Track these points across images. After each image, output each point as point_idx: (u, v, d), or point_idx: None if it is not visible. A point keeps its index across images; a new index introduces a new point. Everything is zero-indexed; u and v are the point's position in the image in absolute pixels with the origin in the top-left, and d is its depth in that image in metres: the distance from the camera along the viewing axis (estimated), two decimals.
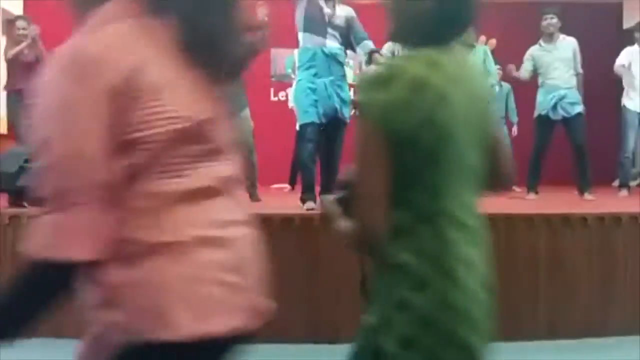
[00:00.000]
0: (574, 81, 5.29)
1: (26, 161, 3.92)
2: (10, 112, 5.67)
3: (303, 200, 4.03)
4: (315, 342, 3.46)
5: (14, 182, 3.86)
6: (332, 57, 4.03)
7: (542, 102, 5.35)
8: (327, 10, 4.01)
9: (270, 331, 3.84)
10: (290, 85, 8.73)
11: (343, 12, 4.11)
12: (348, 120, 4.13)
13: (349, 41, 4.11)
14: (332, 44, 4.02)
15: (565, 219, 3.63)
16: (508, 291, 3.55)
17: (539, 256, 3.58)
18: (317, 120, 4.01)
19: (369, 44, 4.09)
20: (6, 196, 3.97)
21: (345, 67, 4.19)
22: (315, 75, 4.01)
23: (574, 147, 5.27)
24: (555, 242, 3.59)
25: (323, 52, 4.00)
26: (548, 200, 5.11)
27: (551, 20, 5.27)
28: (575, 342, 3.49)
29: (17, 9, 8.61)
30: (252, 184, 4.90)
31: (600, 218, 3.64)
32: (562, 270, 3.58)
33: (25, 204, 3.74)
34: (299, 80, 4.16)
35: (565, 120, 5.26)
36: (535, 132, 5.44)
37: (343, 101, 4.06)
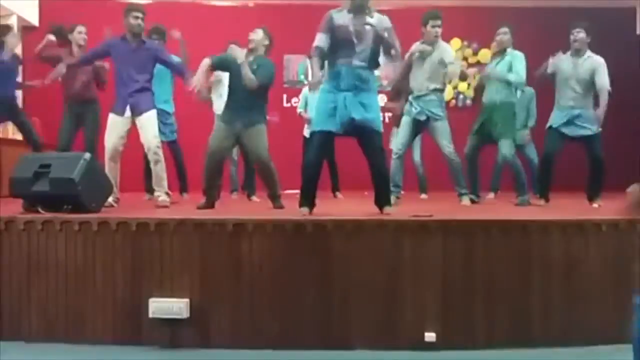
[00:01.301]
0: (589, 101, 5.25)
1: (41, 167, 3.96)
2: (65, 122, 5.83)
3: (300, 205, 4.08)
4: (328, 348, 3.46)
5: (29, 188, 3.91)
6: (357, 75, 4.05)
7: (555, 118, 5.33)
8: (352, 29, 4.03)
9: (283, 337, 3.86)
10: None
11: (373, 26, 4.07)
12: (378, 128, 4.12)
13: (377, 55, 4.13)
14: (358, 63, 4.05)
15: (580, 225, 3.60)
16: (522, 297, 3.54)
17: (553, 263, 3.56)
18: (333, 129, 4.04)
19: (393, 52, 4.13)
20: (21, 201, 4.01)
21: (371, 82, 4.16)
22: (337, 87, 4.06)
23: (591, 162, 5.25)
24: (569, 248, 3.57)
25: (349, 69, 4.05)
26: (562, 207, 5.08)
27: (577, 35, 5.18)
28: (590, 349, 3.47)
29: (33, 17, 8.72)
30: (274, 194, 4.90)
31: (615, 224, 3.61)
32: (576, 277, 3.56)
33: (40, 209, 3.77)
34: (323, 89, 4.20)
35: (581, 138, 5.24)
36: (545, 141, 5.41)
37: (368, 111, 4.06)
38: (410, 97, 5.40)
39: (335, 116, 4.02)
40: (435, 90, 5.32)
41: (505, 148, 5.41)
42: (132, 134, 5.00)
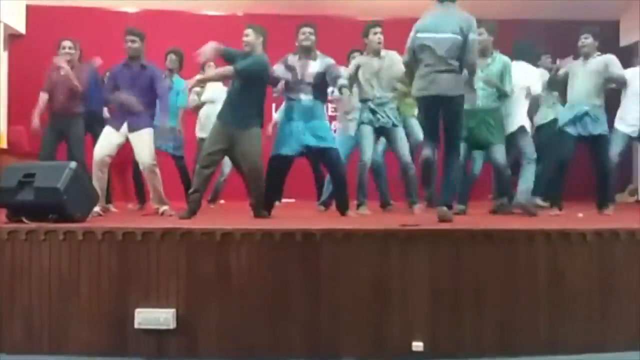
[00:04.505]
0: (598, 101, 5.32)
1: (25, 176, 3.92)
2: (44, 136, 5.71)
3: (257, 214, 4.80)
4: (316, 358, 3.45)
5: (13, 197, 3.87)
6: (306, 108, 4.89)
7: (563, 116, 5.43)
8: (299, 70, 4.91)
9: (271, 348, 3.82)
10: None
11: (317, 67, 4.90)
12: (332, 146, 4.94)
13: (324, 89, 5.01)
14: (306, 97, 4.91)
15: (565, 234, 3.63)
16: (507, 306, 3.55)
17: (538, 272, 3.58)
18: (289, 153, 4.91)
19: (339, 81, 4.82)
20: (5, 211, 3.96)
21: (320, 111, 5.03)
22: (291, 119, 4.92)
23: (597, 166, 5.35)
24: (554, 257, 3.59)
25: (299, 103, 4.92)
26: (547, 216, 5.12)
27: (585, 41, 5.36)
28: (575, 357, 3.48)
29: (20, 25, 8.67)
30: (259, 202, 4.82)
31: (599, 234, 3.64)
32: (561, 286, 3.58)
33: (24, 219, 3.72)
34: (280, 121, 5.36)
35: (588, 139, 5.29)
36: (557, 145, 5.44)
37: (320, 138, 4.88)
38: (370, 105, 5.40)
39: (292, 142, 4.85)
40: (393, 97, 5.57)
41: (499, 154, 5.29)
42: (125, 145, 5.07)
